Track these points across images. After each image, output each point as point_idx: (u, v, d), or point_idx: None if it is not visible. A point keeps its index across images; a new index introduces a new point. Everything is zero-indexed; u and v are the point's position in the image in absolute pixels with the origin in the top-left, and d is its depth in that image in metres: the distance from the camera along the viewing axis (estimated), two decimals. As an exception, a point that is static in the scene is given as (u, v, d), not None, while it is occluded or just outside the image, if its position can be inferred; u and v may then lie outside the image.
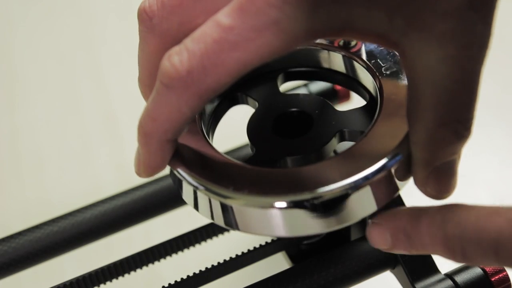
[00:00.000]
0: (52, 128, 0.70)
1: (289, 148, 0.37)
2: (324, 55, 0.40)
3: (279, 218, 0.33)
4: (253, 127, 0.38)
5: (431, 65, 0.29)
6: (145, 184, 0.49)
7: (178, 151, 0.35)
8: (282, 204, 0.33)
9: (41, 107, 0.72)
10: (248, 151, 0.48)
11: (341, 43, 0.40)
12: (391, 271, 0.41)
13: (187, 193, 0.36)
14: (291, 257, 0.42)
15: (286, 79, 0.42)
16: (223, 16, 0.28)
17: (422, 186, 0.33)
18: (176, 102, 0.30)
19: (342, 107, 0.50)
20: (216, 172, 0.35)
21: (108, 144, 0.68)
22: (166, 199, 0.48)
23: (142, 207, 0.48)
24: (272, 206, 0.33)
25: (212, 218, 0.35)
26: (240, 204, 0.33)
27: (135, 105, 0.72)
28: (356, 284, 0.40)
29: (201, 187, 0.34)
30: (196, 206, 0.35)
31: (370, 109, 0.38)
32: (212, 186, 0.34)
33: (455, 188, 0.33)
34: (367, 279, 0.41)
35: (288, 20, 0.28)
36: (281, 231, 0.34)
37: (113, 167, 0.66)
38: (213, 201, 0.34)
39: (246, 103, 0.41)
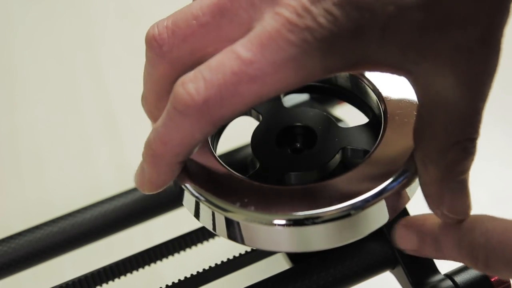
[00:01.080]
0: (52, 128, 0.70)
1: (293, 163, 0.37)
2: None
3: (287, 235, 0.34)
4: (257, 141, 0.38)
5: (445, 91, 0.30)
6: (145, 184, 0.49)
7: (187, 166, 0.36)
8: (290, 221, 0.33)
9: (41, 107, 0.72)
10: (246, 153, 0.48)
11: None
12: (391, 271, 0.41)
13: (188, 203, 0.36)
14: (291, 257, 0.42)
15: (290, 92, 0.42)
16: (243, 50, 0.29)
17: (438, 208, 0.34)
18: (189, 128, 0.31)
19: (339, 108, 0.50)
20: (223, 187, 0.35)
21: (108, 144, 0.68)
22: (166, 200, 0.48)
23: (142, 207, 0.48)
24: (284, 224, 0.33)
25: (215, 230, 0.36)
26: (247, 220, 0.34)
27: (135, 105, 0.72)
28: (356, 284, 0.40)
29: (207, 202, 0.35)
30: (204, 222, 0.36)
31: (372, 127, 0.39)
32: (219, 202, 0.34)
33: (471, 209, 0.34)
34: (367, 279, 0.41)
35: (306, 57, 0.28)
36: (287, 247, 0.35)
37: (113, 167, 0.66)
38: (218, 215, 0.35)
39: (250, 115, 0.41)
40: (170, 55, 0.32)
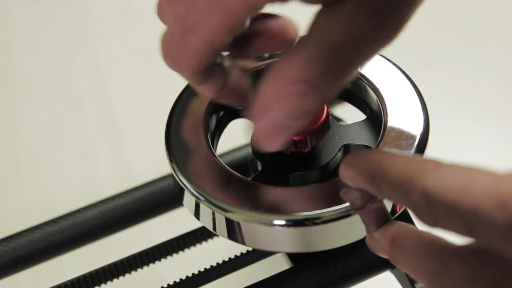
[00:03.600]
0: (52, 128, 0.70)
1: (296, 163, 0.37)
2: None
3: (287, 235, 0.34)
4: None
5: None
6: (145, 184, 0.49)
7: (187, 166, 0.36)
8: (290, 222, 0.33)
9: (41, 107, 0.72)
10: (246, 153, 0.48)
11: None
12: (391, 271, 0.41)
13: (188, 203, 0.36)
14: (291, 257, 0.42)
15: None
16: None
17: None
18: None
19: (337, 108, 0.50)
20: (223, 187, 0.35)
21: (108, 144, 0.68)
22: (166, 199, 0.48)
23: (142, 207, 0.48)
24: (284, 224, 0.33)
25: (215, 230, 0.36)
26: (247, 221, 0.34)
27: (135, 105, 0.72)
28: (356, 284, 0.40)
29: (207, 202, 0.35)
30: (204, 222, 0.36)
31: (371, 123, 0.39)
32: (219, 202, 0.35)
33: None
34: (367, 279, 0.41)
35: None
36: (287, 248, 0.35)
37: (113, 167, 0.66)
38: (218, 216, 0.35)
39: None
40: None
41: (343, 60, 0.29)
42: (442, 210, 0.27)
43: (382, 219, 0.34)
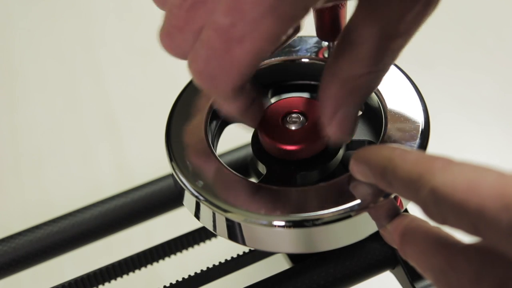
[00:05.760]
0: (52, 128, 0.70)
1: (299, 164, 0.37)
2: (315, 67, 0.41)
3: (287, 236, 0.34)
4: (257, 141, 0.38)
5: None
6: (145, 184, 0.49)
7: (187, 166, 0.36)
8: (290, 223, 0.33)
9: (41, 107, 0.72)
10: (246, 153, 0.48)
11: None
12: (391, 271, 0.41)
13: (189, 203, 0.36)
14: (291, 257, 0.42)
15: (276, 93, 0.42)
16: (222, 16, 0.29)
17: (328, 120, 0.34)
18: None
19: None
20: (223, 187, 0.35)
21: (108, 144, 0.68)
22: (166, 200, 0.48)
23: (142, 207, 0.48)
24: (284, 225, 0.34)
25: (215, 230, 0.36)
26: (248, 221, 0.34)
27: (134, 105, 0.72)
28: (356, 284, 0.40)
29: (207, 203, 0.35)
30: (204, 222, 0.36)
31: (368, 119, 0.39)
32: (219, 202, 0.34)
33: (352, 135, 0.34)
34: (367, 279, 0.41)
35: (280, 3, 0.28)
36: (287, 249, 0.35)
37: (113, 167, 0.66)
38: (218, 216, 0.35)
39: None
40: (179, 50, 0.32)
41: (396, 44, 0.32)
42: (450, 209, 0.27)
43: (392, 212, 0.34)
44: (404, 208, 0.35)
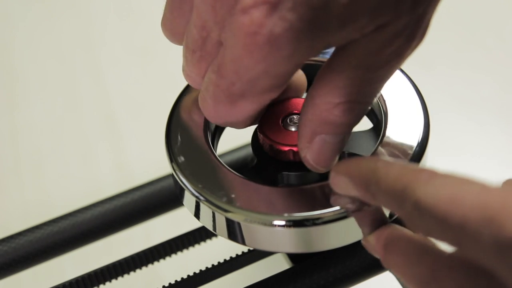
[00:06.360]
0: (52, 128, 0.70)
1: (299, 163, 0.37)
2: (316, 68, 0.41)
3: (287, 236, 0.34)
4: (257, 141, 0.38)
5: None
6: (145, 184, 0.49)
7: (187, 166, 0.36)
8: (290, 222, 0.33)
9: (41, 107, 0.72)
10: (246, 153, 0.48)
11: None
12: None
13: (189, 203, 0.36)
14: (291, 257, 0.42)
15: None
16: (217, 77, 0.32)
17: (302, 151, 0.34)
18: None
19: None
20: (223, 187, 0.35)
21: (108, 144, 0.68)
22: (166, 200, 0.48)
23: (142, 207, 0.48)
24: (284, 225, 0.34)
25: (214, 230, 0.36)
26: (248, 221, 0.34)
27: (135, 105, 0.72)
28: (356, 284, 0.40)
29: (207, 202, 0.35)
30: (204, 222, 0.36)
31: (375, 133, 0.39)
32: (219, 202, 0.35)
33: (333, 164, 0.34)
34: (367, 279, 0.41)
35: (274, 66, 0.30)
36: (287, 248, 0.35)
37: (113, 167, 0.66)
38: (218, 216, 0.35)
39: None
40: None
41: (375, 76, 0.31)
42: (433, 221, 0.26)
43: (378, 221, 0.33)
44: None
